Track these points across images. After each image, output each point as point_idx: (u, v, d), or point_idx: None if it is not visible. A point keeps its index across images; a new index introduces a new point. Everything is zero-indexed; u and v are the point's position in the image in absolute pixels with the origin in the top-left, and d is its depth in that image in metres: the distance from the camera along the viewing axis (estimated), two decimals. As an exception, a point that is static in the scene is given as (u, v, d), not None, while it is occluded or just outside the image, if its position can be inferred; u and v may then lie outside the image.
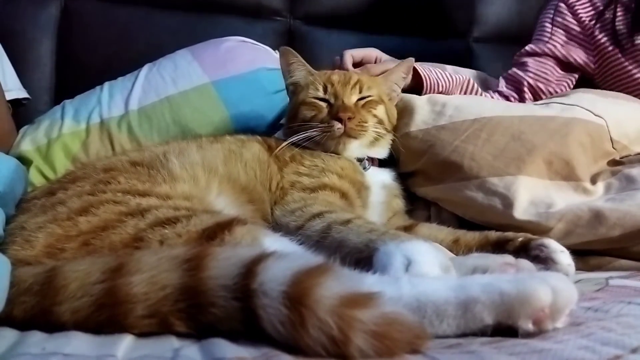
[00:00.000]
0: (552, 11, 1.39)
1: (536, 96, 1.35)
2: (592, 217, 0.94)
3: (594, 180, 1.02)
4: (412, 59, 1.21)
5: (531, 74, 1.36)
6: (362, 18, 1.77)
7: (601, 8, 1.32)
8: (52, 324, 0.56)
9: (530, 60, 1.37)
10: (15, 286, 0.59)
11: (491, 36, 1.89)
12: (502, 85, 1.39)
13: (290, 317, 0.47)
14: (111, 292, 0.54)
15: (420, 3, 1.80)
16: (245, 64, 1.46)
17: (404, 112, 1.18)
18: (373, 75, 1.21)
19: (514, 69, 1.39)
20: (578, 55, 1.33)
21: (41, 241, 0.68)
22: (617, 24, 1.29)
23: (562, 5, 1.37)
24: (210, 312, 0.52)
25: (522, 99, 1.35)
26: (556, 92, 1.33)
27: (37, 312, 0.57)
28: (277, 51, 1.54)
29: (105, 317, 0.54)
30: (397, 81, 1.22)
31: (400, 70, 1.21)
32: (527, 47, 1.39)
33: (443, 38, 1.83)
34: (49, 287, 0.57)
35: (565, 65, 1.35)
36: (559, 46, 1.35)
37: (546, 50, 1.35)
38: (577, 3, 1.35)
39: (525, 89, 1.36)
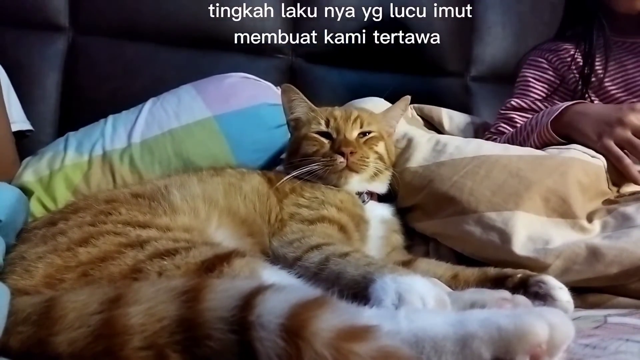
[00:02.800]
0: (533, 67, 1.44)
1: None
2: (590, 255, 0.94)
3: (590, 218, 1.03)
4: (408, 97, 1.25)
5: None
6: (362, 56, 1.81)
7: (579, 62, 1.37)
8: (48, 355, 0.55)
9: (516, 115, 1.41)
10: (13, 315, 0.58)
11: (488, 75, 1.93)
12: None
13: (287, 349, 0.47)
14: (108, 323, 0.54)
15: (418, 43, 1.85)
16: (247, 100, 1.49)
17: (406, 149, 1.20)
18: None
19: (502, 124, 1.42)
20: None
21: (41, 271, 0.68)
22: (595, 76, 1.34)
23: (543, 61, 1.42)
24: (207, 345, 0.52)
25: None
26: None
27: (33, 342, 0.56)
28: (278, 87, 1.58)
29: (102, 348, 0.54)
30: (395, 118, 1.26)
31: (399, 108, 1.25)
32: (512, 102, 1.43)
33: (441, 76, 1.88)
34: (47, 317, 0.56)
35: None
36: (544, 102, 1.38)
37: (533, 105, 1.39)
38: (556, 58, 1.40)
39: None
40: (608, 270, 0.92)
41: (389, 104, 1.30)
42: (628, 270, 0.91)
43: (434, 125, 1.51)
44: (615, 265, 0.92)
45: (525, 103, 1.39)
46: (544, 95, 1.39)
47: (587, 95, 1.36)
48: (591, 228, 1.00)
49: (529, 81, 1.42)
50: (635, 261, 0.90)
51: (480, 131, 1.49)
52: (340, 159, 1.08)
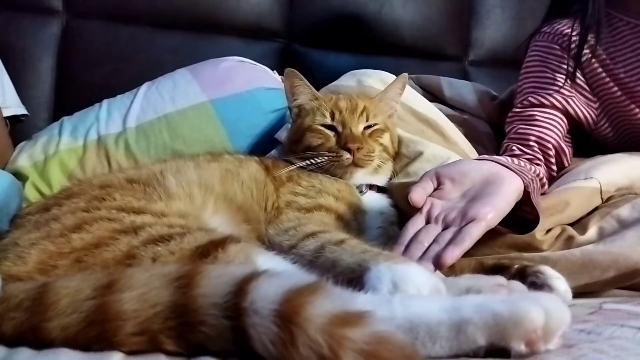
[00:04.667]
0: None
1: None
2: (586, 261, 0.93)
3: (585, 226, 1.01)
4: (405, 75, 1.23)
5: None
6: (359, 39, 1.79)
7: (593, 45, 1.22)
8: (41, 341, 0.55)
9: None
10: (6, 302, 0.58)
11: (486, 59, 1.92)
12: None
13: (280, 335, 0.47)
14: (101, 309, 0.54)
15: (417, 26, 1.83)
16: (244, 84, 1.48)
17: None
18: None
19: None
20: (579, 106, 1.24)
21: (34, 258, 0.68)
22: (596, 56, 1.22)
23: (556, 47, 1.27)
24: (201, 331, 0.52)
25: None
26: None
27: (26, 328, 0.56)
28: (274, 71, 1.56)
29: (95, 334, 0.53)
30: (394, 98, 1.23)
31: (396, 87, 1.22)
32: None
33: (439, 60, 1.86)
34: (40, 303, 0.56)
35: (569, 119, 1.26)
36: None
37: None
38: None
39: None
40: (605, 275, 0.91)
41: (394, 77, 1.25)
42: (625, 274, 0.90)
43: (433, 94, 1.50)
44: (612, 270, 0.90)
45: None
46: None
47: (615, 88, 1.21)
48: (586, 239, 0.98)
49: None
50: (632, 264, 0.89)
51: (478, 96, 1.46)
52: (347, 155, 1.06)
